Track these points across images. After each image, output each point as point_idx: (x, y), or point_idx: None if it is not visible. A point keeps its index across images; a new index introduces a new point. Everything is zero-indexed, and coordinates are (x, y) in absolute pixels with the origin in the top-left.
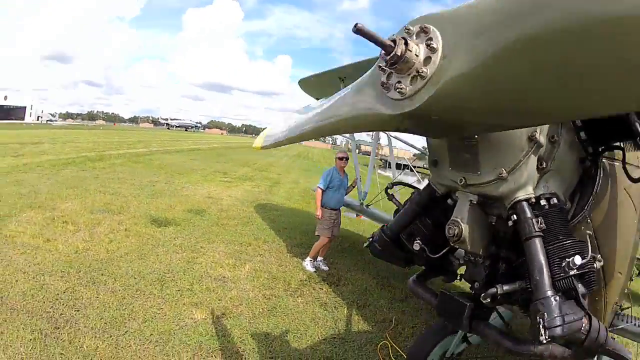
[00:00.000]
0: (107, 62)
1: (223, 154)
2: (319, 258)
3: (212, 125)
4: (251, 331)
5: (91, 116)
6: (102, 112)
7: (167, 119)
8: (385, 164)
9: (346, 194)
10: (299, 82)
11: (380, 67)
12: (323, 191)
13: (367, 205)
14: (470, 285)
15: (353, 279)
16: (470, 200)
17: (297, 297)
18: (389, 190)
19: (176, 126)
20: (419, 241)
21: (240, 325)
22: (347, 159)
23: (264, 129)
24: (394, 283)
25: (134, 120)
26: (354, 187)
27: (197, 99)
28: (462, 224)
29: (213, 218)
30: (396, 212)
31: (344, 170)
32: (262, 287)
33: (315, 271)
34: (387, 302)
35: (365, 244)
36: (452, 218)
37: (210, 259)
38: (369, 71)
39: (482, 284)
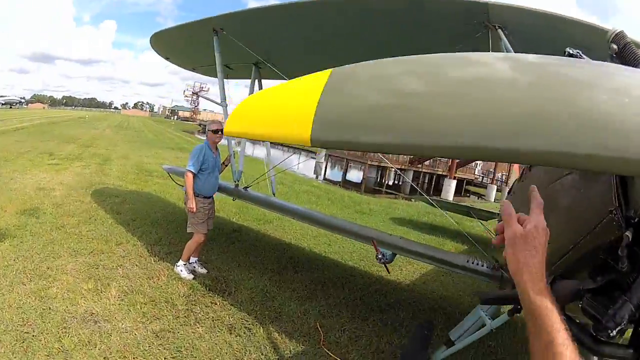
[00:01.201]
0: None
1: (47, 130)
2: (192, 259)
3: (35, 99)
4: None
5: None
6: None
7: None
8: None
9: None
10: (153, 36)
11: None
12: (194, 175)
13: (246, 188)
14: None
15: (241, 278)
16: None
17: (194, 324)
18: None
19: (2, 103)
20: None
21: None
22: (222, 131)
23: (83, 99)
24: (285, 275)
25: None
26: (226, 165)
27: (22, 71)
28: None
29: (50, 219)
30: None
31: (216, 147)
32: (145, 318)
33: (194, 277)
34: (296, 304)
35: None
36: None
37: (64, 286)
38: None
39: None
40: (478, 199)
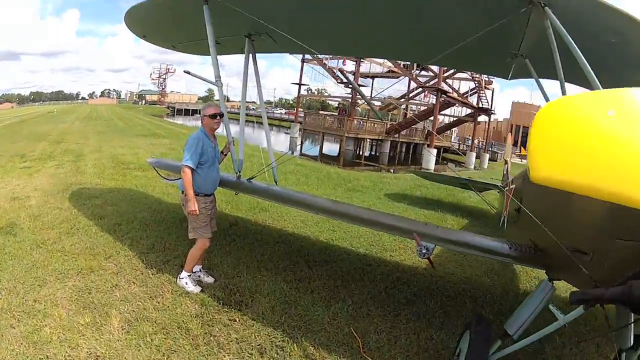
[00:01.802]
0: None
1: (17, 130)
2: (196, 267)
3: (4, 99)
4: None
5: None
6: None
7: None
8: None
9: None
10: (127, 13)
11: None
12: (193, 171)
13: (250, 179)
14: None
15: (254, 284)
16: None
17: (218, 351)
18: None
19: None
20: None
21: None
22: (222, 115)
23: (50, 93)
24: (299, 273)
25: None
26: (225, 155)
27: None
28: None
29: (29, 235)
30: None
31: (214, 134)
32: (160, 354)
33: (201, 290)
34: (322, 307)
35: None
36: None
37: (57, 324)
38: None
39: None
40: (456, 166)
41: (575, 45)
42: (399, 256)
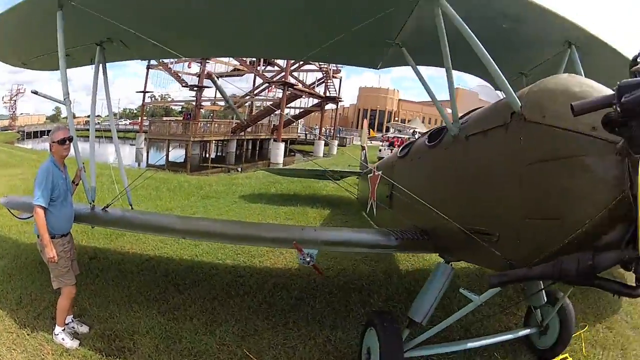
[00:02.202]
0: None
1: None
2: (68, 319)
3: None
4: None
5: None
6: None
7: None
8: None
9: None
10: None
11: None
12: (46, 210)
13: (105, 208)
14: None
15: (131, 323)
16: None
17: None
18: None
19: None
20: None
21: None
22: (71, 139)
23: None
24: (172, 301)
25: None
26: (77, 184)
27: None
28: None
29: None
30: None
31: (64, 162)
32: None
33: (80, 344)
34: (206, 334)
35: None
36: None
37: None
38: None
39: None
40: (304, 156)
41: (469, 31)
42: (269, 260)
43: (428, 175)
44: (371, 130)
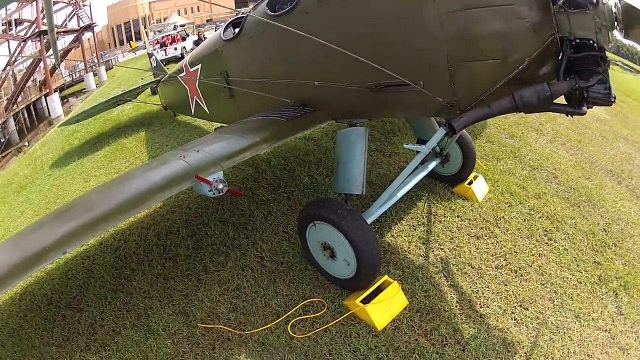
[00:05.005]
0: None
1: None
2: None
3: None
4: None
5: None
6: None
7: None
8: None
9: None
10: None
11: None
12: None
13: None
14: None
15: None
16: None
17: None
18: None
19: None
20: None
21: None
22: None
23: None
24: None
25: None
26: None
27: None
28: None
29: None
30: None
31: None
32: None
33: None
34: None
35: None
36: None
37: None
38: None
39: None
40: (77, 98)
41: None
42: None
43: (293, 46)
44: (131, 42)
